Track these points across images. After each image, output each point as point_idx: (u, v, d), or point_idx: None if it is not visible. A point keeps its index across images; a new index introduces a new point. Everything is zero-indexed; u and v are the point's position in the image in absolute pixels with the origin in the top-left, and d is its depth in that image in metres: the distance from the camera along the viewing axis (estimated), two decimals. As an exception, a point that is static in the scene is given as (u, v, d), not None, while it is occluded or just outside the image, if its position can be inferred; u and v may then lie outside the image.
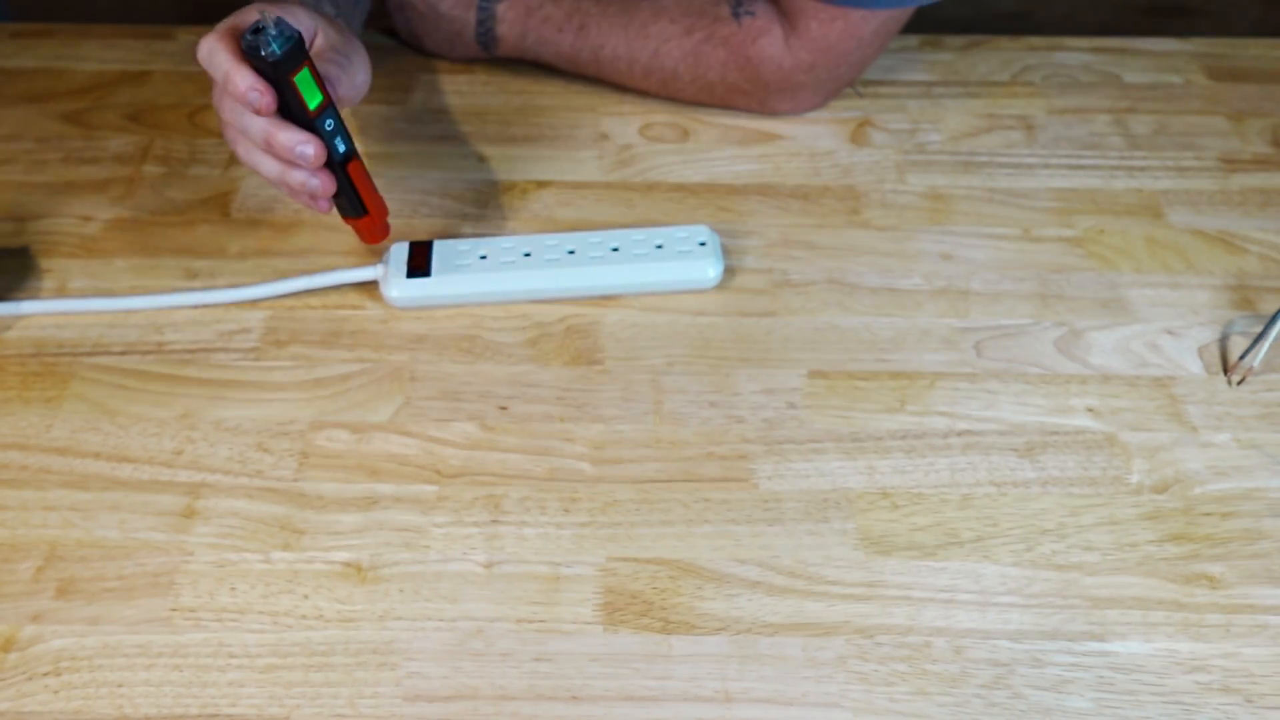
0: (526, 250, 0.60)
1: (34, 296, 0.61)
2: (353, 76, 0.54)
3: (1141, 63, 0.78)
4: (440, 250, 0.60)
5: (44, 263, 0.63)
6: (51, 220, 0.65)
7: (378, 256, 0.61)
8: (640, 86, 0.71)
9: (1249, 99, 0.75)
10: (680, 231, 0.61)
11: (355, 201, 0.55)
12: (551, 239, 0.61)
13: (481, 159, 0.70)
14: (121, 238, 0.64)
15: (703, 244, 0.61)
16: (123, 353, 0.58)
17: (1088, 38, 0.81)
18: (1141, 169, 0.70)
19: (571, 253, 0.60)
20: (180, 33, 0.79)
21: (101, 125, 0.72)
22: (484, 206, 0.67)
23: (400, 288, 0.59)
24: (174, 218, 0.65)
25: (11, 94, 0.74)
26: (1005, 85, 0.76)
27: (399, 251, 0.60)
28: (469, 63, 0.77)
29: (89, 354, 0.58)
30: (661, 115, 0.73)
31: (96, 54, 0.77)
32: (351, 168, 0.54)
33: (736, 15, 0.67)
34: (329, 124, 0.51)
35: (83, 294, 0.61)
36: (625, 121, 0.73)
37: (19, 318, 0.60)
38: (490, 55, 0.59)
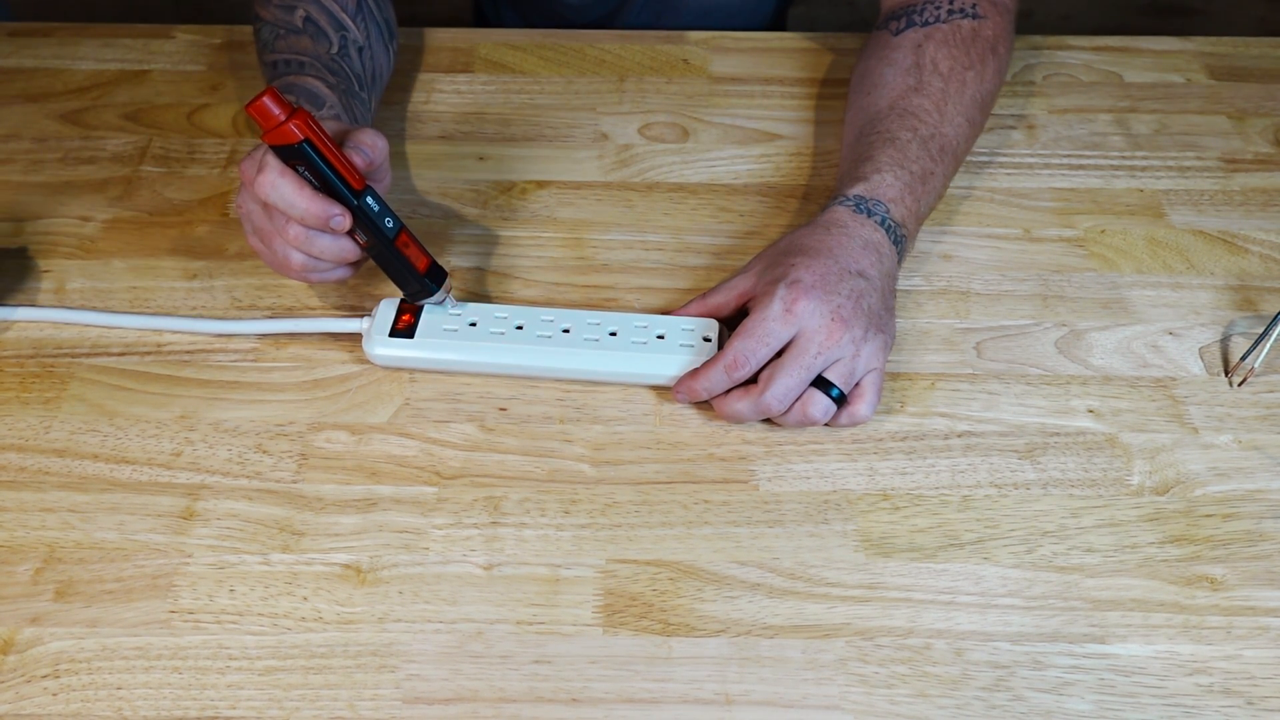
0: (519, 322, 0.57)
1: (33, 297, 0.61)
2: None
3: (1143, 62, 0.78)
4: (430, 311, 0.57)
5: (42, 263, 0.63)
6: (50, 220, 0.65)
7: (373, 300, 0.60)
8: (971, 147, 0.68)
9: (1251, 98, 0.75)
10: (686, 324, 0.57)
11: (408, 271, 0.55)
12: (548, 314, 0.57)
13: (481, 159, 0.70)
14: (120, 238, 0.64)
15: (707, 339, 0.56)
16: (121, 354, 0.58)
17: (1089, 37, 0.80)
18: (1143, 169, 0.70)
19: (566, 331, 0.56)
20: (178, 32, 0.79)
21: (100, 125, 0.71)
22: (483, 206, 0.67)
23: (382, 346, 0.56)
24: (172, 218, 0.65)
25: (9, 93, 0.74)
26: (1006, 85, 0.76)
27: (387, 308, 0.57)
28: (467, 63, 0.76)
29: (87, 355, 0.58)
30: (661, 115, 0.73)
31: (94, 53, 0.77)
32: (399, 242, 0.54)
33: (964, 14, 0.65)
34: (374, 205, 0.53)
35: (81, 294, 0.61)
36: (625, 121, 0.72)
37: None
38: (904, 255, 0.59)
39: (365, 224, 0.53)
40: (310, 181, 0.51)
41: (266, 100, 0.49)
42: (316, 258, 0.54)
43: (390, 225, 0.53)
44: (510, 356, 0.56)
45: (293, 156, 0.51)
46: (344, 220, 0.52)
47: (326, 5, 0.65)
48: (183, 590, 0.49)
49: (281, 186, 0.51)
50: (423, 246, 0.55)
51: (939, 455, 0.54)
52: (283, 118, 0.49)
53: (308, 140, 0.50)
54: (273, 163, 0.51)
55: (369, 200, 0.52)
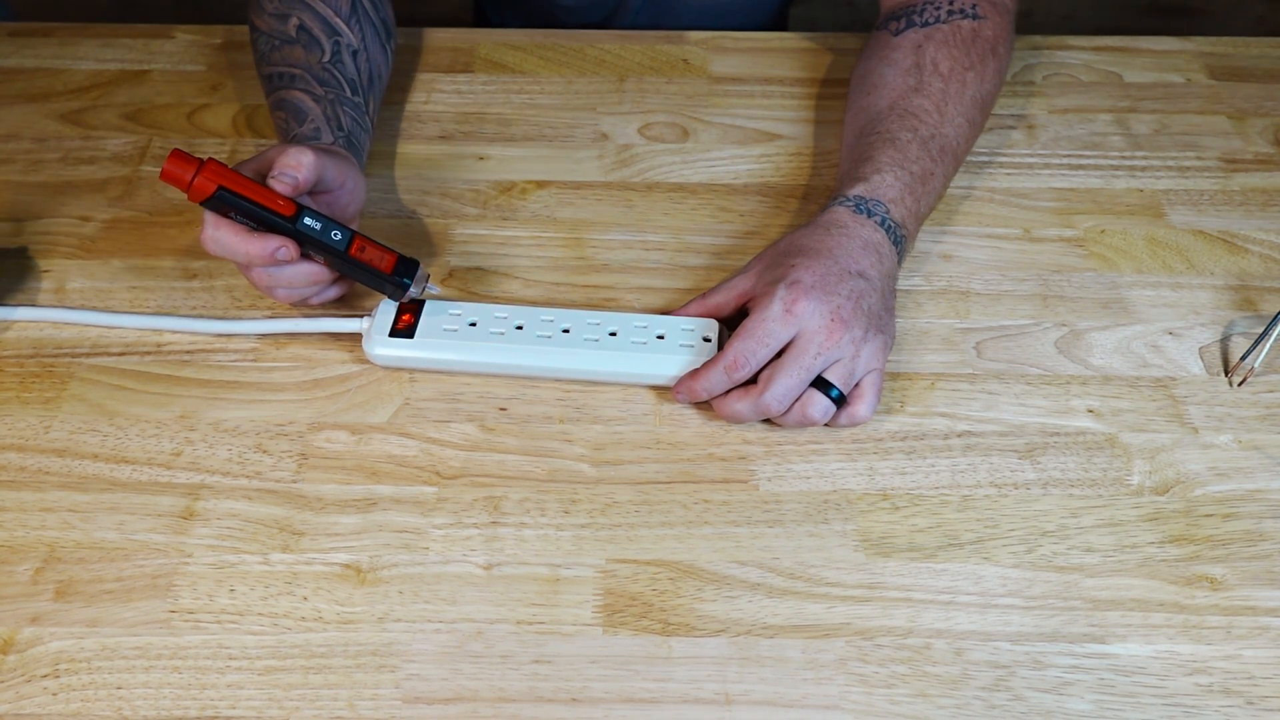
0: (519, 322, 0.57)
1: (33, 297, 0.61)
2: (323, 161, 0.55)
3: (1143, 62, 0.78)
4: (430, 311, 0.57)
5: (42, 263, 0.63)
6: (50, 220, 0.65)
7: (375, 299, 0.60)
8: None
9: (1250, 98, 0.75)
10: (686, 324, 0.57)
11: (375, 275, 0.55)
12: (547, 313, 0.57)
13: (481, 159, 0.70)
14: (120, 238, 0.64)
15: (707, 340, 0.56)
16: (121, 353, 0.58)
17: (1088, 37, 0.80)
18: (1143, 169, 0.70)
19: (566, 331, 0.56)
20: (178, 32, 0.79)
21: (100, 125, 0.71)
22: (484, 206, 0.67)
23: (382, 346, 0.56)
24: (173, 218, 0.65)
25: (9, 93, 0.74)
26: (1006, 85, 0.76)
27: (387, 308, 0.57)
28: (467, 63, 0.76)
29: (87, 355, 0.58)
30: (661, 115, 0.73)
31: (94, 53, 0.77)
32: (354, 250, 0.55)
33: (964, 14, 0.66)
34: (314, 224, 0.54)
35: (81, 294, 0.61)
36: (625, 121, 0.72)
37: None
38: (904, 256, 0.59)
39: (311, 245, 0.54)
40: (249, 223, 0.53)
41: (170, 165, 0.51)
42: (291, 288, 0.56)
43: (338, 238, 0.54)
44: (510, 356, 0.56)
45: (219, 206, 0.52)
46: (289, 250, 0.53)
47: (319, 11, 0.65)
48: (183, 590, 0.49)
49: (221, 238, 0.53)
50: (385, 246, 0.56)
51: (939, 455, 0.54)
52: (190, 176, 0.51)
53: (221, 187, 0.52)
54: (208, 218, 0.53)
55: (306, 221, 0.53)
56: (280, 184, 0.53)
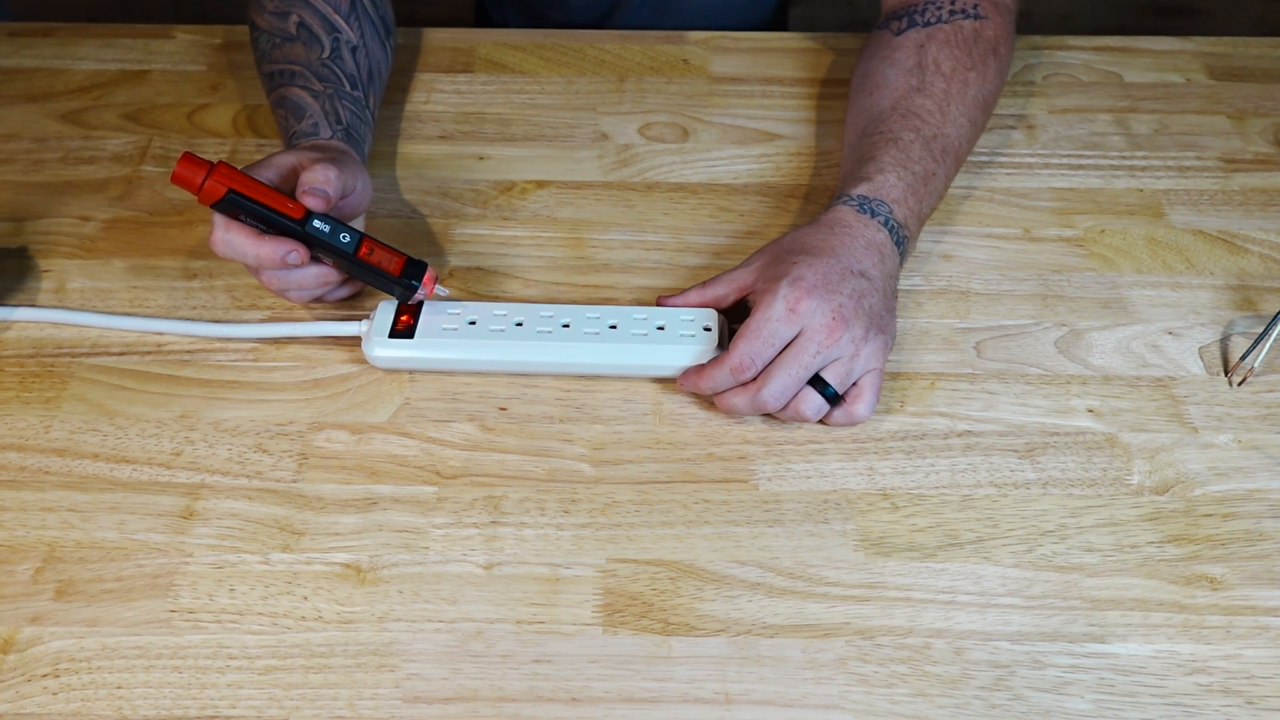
0: (519, 319, 0.57)
1: (33, 297, 0.61)
2: (344, 173, 0.55)
3: (1143, 62, 0.78)
4: (429, 310, 0.57)
5: (42, 263, 0.63)
6: (50, 220, 0.65)
7: (377, 298, 0.60)
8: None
9: (1250, 98, 0.75)
10: (686, 314, 0.57)
11: (384, 277, 0.56)
12: (546, 309, 0.57)
13: (481, 159, 0.70)
14: (120, 238, 0.64)
15: (707, 329, 0.56)
16: (121, 353, 0.58)
17: (1089, 37, 0.80)
18: (1142, 169, 0.70)
19: (566, 326, 0.56)
20: (179, 32, 0.79)
21: (100, 125, 0.71)
22: (484, 206, 0.67)
23: (381, 347, 0.56)
24: (173, 218, 0.65)
25: (10, 93, 0.74)
26: (1006, 85, 0.76)
27: (385, 309, 0.57)
28: (467, 63, 0.76)
29: (87, 354, 0.58)
30: (661, 115, 0.73)
31: (95, 53, 0.77)
32: (363, 253, 0.55)
33: (965, 14, 0.66)
34: (324, 226, 0.54)
35: (81, 294, 0.61)
36: (625, 121, 0.72)
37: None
38: (906, 256, 0.59)
39: (320, 247, 0.54)
40: (258, 225, 0.53)
41: (180, 169, 0.52)
42: (302, 290, 0.56)
43: (347, 240, 0.54)
44: (511, 353, 0.56)
45: (230, 208, 0.53)
46: (299, 254, 0.54)
47: (319, 8, 0.66)
48: (183, 590, 0.49)
49: (231, 241, 0.53)
50: (393, 249, 0.56)
51: (939, 455, 0.54)
52: (201, 179, 0.52)
53: (232, 190, 0.52)
54: (218, 220, 0.54)
55: (316, 224, 0.54)
56: (314, 199, 0.53)
